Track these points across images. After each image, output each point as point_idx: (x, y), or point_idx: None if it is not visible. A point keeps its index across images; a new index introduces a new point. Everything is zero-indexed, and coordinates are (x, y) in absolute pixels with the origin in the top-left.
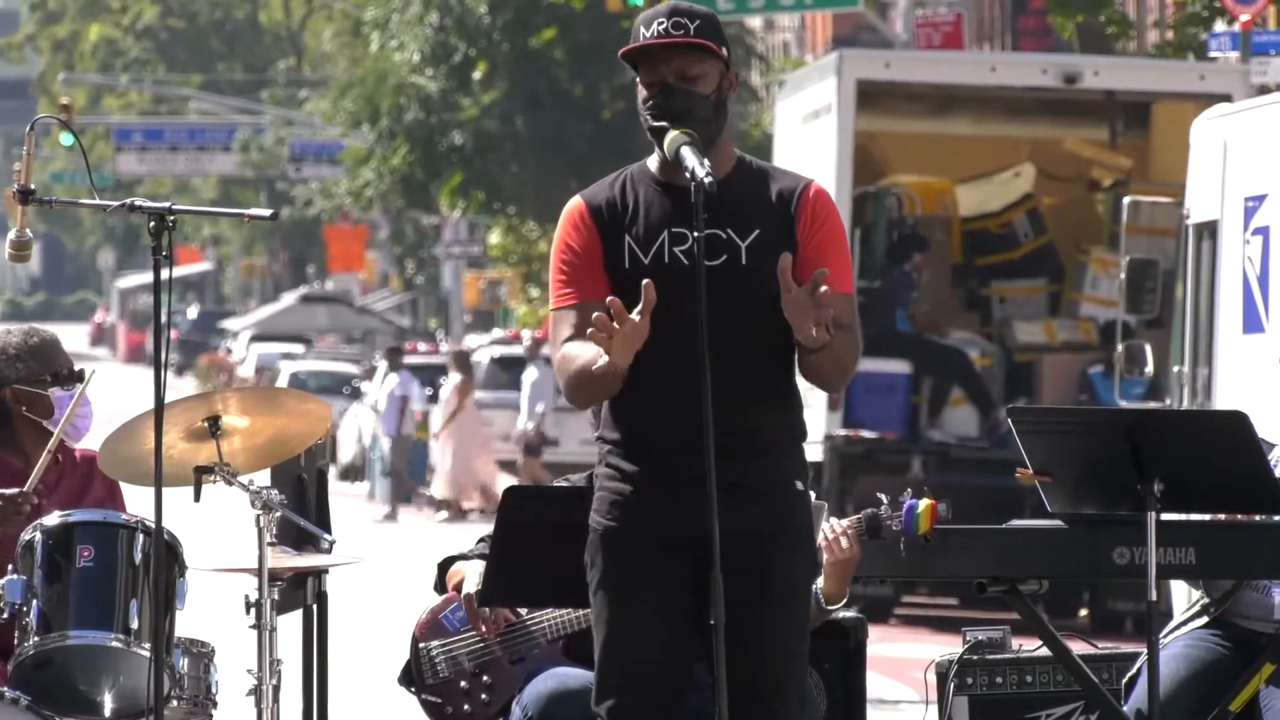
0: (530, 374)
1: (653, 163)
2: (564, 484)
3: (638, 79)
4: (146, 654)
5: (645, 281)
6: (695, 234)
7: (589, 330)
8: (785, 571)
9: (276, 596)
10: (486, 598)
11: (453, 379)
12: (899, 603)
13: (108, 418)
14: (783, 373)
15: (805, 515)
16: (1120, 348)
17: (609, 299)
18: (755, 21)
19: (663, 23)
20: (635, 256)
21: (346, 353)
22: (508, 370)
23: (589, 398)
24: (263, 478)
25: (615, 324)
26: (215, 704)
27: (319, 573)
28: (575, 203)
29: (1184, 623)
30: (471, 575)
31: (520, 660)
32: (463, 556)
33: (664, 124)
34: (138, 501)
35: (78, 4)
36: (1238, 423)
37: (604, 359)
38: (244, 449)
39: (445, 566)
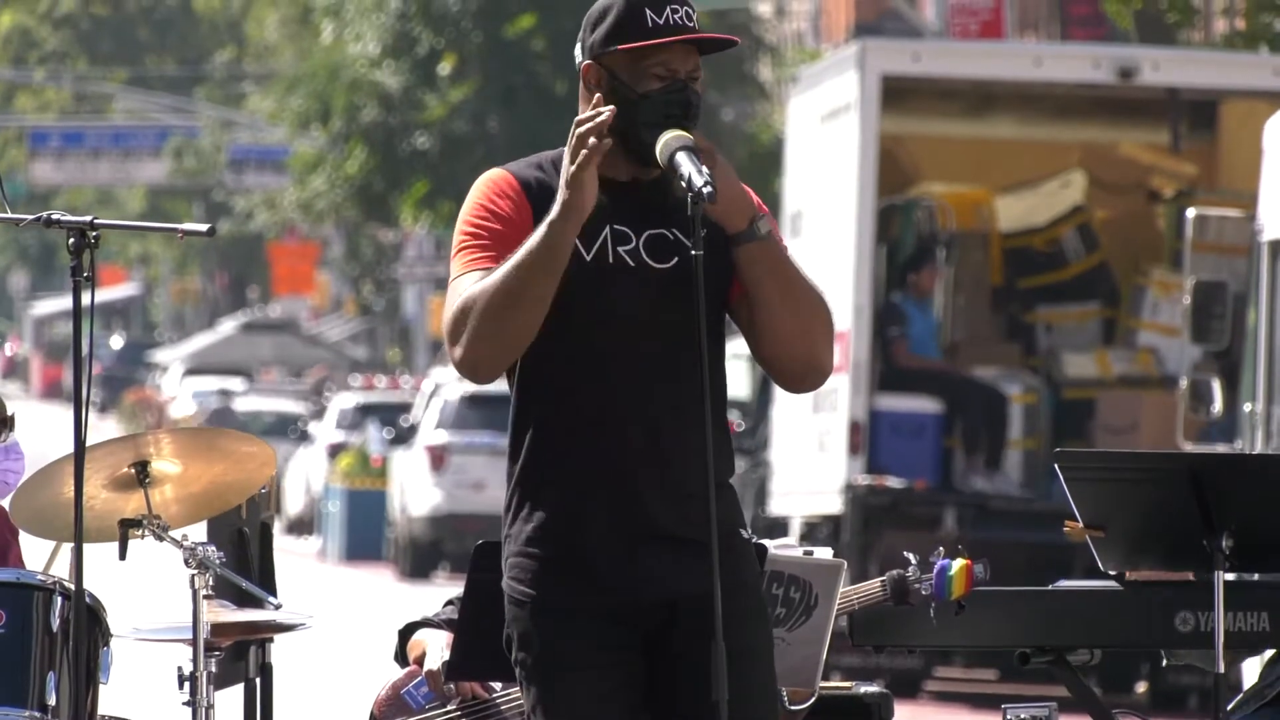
0: None
1: None
2: None
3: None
4: None
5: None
6: (695, 251)
7: (581, 132)
8: (744, 636)
9: (214, 668)
10: (455, 672)
11: None
12: (930, 676)
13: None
14: (722, 394)
15: (754, 568)
16: (1184, 383)
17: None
18: (765, 7)
19: (677, 10)
20: (575, 252)
21: (293, 389)
22: (478, 409)
23: (529, 301)
24: (198, 532)
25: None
26: None
27: (263, 641)
28: (498, 173)
29: (1253, 697)
30: (434, 647)
31: None
32: (427, 622)
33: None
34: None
35: None
36: None
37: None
38: (176, 499)
39: (407, 634)
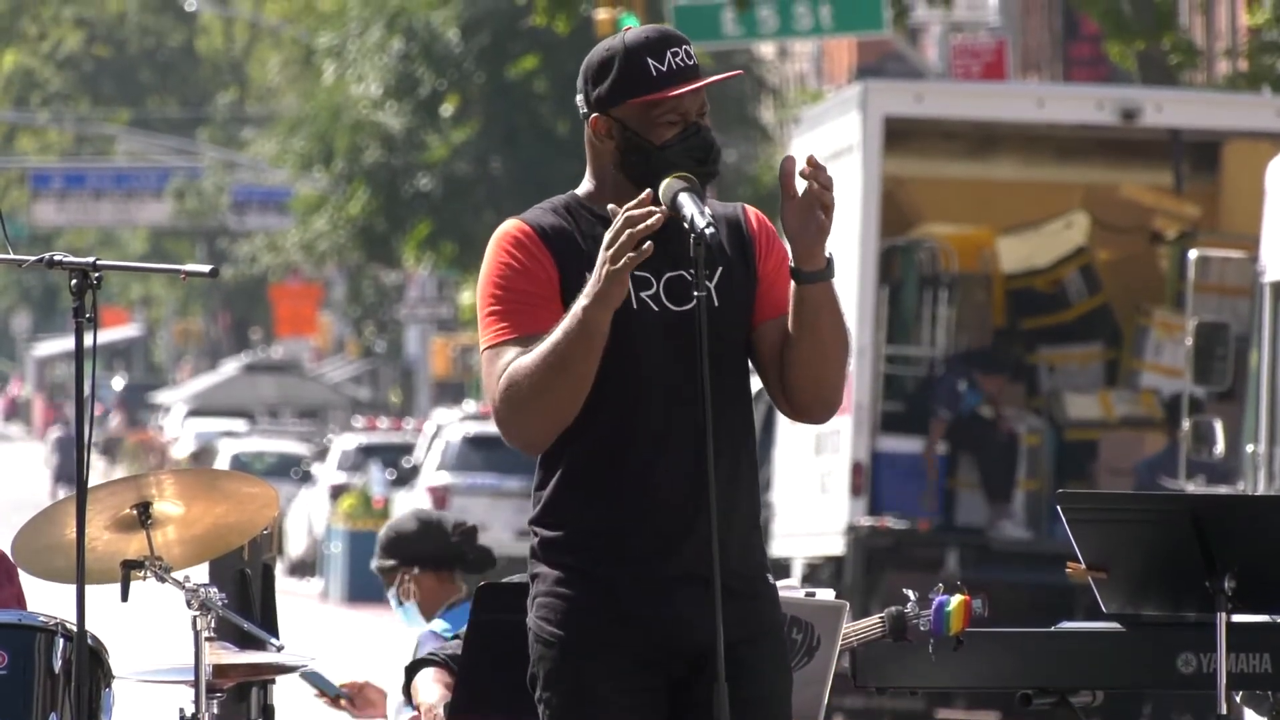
0: None
1: (589, 193)
2: None
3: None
4: None
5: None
6: (697, 292)
7: (625, 209)
8: (767, 679)
9: (216, 710)
10: (458, 710)
11: None
12: (932, 717)
13: (21, 503)
14: (751, 434)
15: (778, 612)
16: (1186, 425)
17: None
18: (767, 49)
19: (676, 52)
20: None
21: (296, 430)
22: (480, 451)
23: (572, 377)
24: (200, 573)
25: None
26: None
27: (265, 683)
28: (513, 224)
29: None
30: (438, 689)
31: None
32: (433, 658)
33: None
34: (57, 600)
35: None
36: None
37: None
38: (179, 540)
39: (413, 671)
